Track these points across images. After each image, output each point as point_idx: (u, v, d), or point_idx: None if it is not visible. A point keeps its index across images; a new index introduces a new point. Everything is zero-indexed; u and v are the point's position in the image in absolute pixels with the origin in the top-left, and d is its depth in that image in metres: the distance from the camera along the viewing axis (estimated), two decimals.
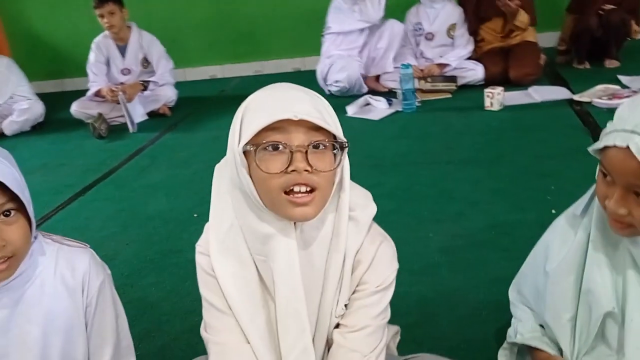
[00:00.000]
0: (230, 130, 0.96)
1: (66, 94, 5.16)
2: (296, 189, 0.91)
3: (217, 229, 1.02)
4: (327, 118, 0.93)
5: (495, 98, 3.22)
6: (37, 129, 4.26)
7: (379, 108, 3.61)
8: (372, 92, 3.98)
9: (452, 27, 3.96)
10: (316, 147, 0.91)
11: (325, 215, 0.98)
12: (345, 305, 1.03)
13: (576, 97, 3.19)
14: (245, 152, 0.92)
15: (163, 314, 1.82)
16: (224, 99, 4.62)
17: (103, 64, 4.23)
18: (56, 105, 4.54)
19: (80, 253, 1.13)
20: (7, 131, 4.13)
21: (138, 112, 4.06)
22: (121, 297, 1.43)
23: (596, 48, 3.80)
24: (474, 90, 3.70)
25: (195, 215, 2.50)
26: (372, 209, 1.04)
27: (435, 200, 2.29)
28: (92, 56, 4.22)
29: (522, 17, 3.76)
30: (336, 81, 3.99)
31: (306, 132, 0.90)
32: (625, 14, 3.68)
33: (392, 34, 3.97)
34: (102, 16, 4.01)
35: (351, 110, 3.61)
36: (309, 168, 0.90)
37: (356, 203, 1.01)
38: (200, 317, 1.70)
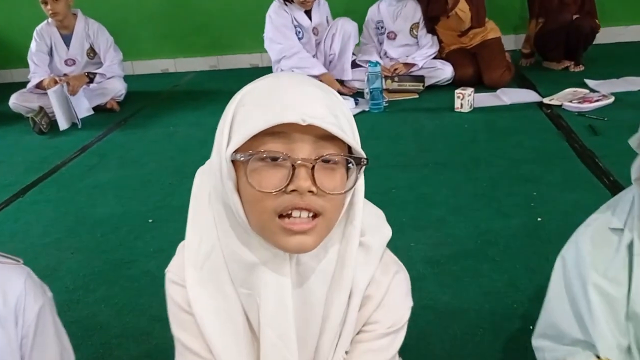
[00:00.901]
0: (218, 128, 0.74)
1: (4, 86, 4.77)
2: (295, 213, 0.70)
3: (195, 251, 0.81)
4: (344, 125, 0.72)
5: (466, 99, 3.12)
6: None
7: None
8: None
9: (415, 26, 3.83)
10: (326, 161, 0.71)
11: (329, 243, 0.78)
12: (346, 352, 0.83)
13: (546, 100, 3.13)
14: (234, 161, 0.71)
15: (114, 336, 1.60)
16: (177, 94, 4.35)
17: (45, 54, 3.91)
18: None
19: (12, 272, 0.92)
20: None
21: (83, 107, 3.76)
22: (65, 315, 1.21)
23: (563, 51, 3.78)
24: (442, 90, 3.60)
25: (150, 220, 2.26)
26: (387, 232, 0.85)
27: (415, 206, 2.14)
28: (33, 45, 3.89)
29: (462, 6, 3.63)
30: None
31: (315, 142, 0.70)
32: (594, 21, 3.67)
33: (344, 36, 3.71)
34: (44, 3, 3.69)
35: None
36: (313, 189, 0.69)
37: (367, 225, 0.81)
38: (158, 340, 1.47)
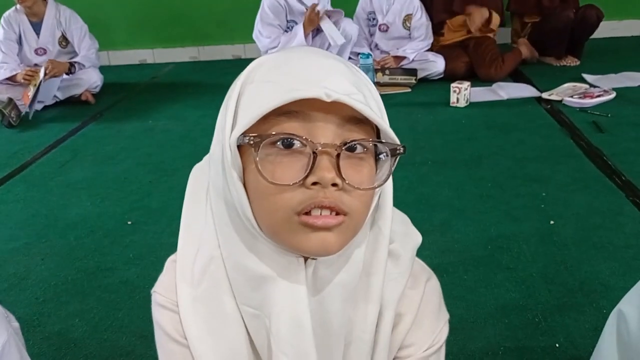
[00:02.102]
0: (220, 112, 0.60)
1: None
2: (315, 212, 0.56)
3: (190, 265, 0.65)
4: (373, 105, 0.58)
5: (462, 93, 2.99)
6: None
7: None
8: None
9: (407, 18, 3.69)
10: (352, 149, 0.57)
11: (351, 250, 0.63)
12: None
13: (545, 95, 3.02)
14: (240, 147, 0.57)
15: (90, 355, 1.42)
16: (156, 86, 4.15)
17: (14, 42, 3.67)
18: None
19: None
20: None
21: (49, 94, 3.52)
22: (35, 330, 1.04)
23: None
24: (435, 84, 3.47)
25: (129, 222, 2.08)
26: (417, 239, 0.71)
27: (416, 208, 2.00)
28: (1, 33, 3.65)
29: (495, 20, 3.63)
30: None
31: (339, 125, 0.56)
32: (599, 9, 3.58)
33: (346, 37, 3.55)
34: None
35: None
36: (339, 181, 0.55)
37: (394, 232, 0.66)
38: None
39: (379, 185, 0.60)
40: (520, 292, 1.50)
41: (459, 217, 1.92)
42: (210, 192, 0.65)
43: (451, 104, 3.03)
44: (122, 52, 4.81)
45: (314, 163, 0.54)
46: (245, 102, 0.58)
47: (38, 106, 3.49)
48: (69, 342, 1.49)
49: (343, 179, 0.55)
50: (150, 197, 2.29)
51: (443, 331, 0.72)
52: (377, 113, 0.58)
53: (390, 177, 0.63)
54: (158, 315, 0.68)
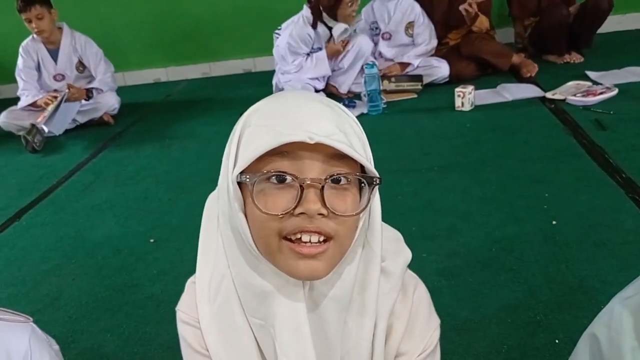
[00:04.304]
0: (225, 150, 0.71)
1: None
2: (305, 237, 0.66)
3: (207, 286, 0.76)
4: (355, 143, 0.68)
5: (467, 97, 3.06)
6: None
7: None
8: (329, 94, 3.75)
9: (410, 26, 3.76)
10: (336, 181, 0.66)
11: (344, 267, 0.72)
12: None
13: (548, 95, 3.07)
14: (240, 183, 0.68)
15: None
16: (170, 105, 4.28)
17: (33, 70, 3.83)
18: None
19: (16, 331, 0.85)
20: None
21: (67, 118, 3.66)
22: (70, 347, 1.13)
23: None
24: (440, 89, 3.54)
25: (151, 240, 2.19)
26: (406, 255, 0.80)
27: (422, 214, 2.08)
28: (20, 62, 3.81)
29: (482, 23, 3.69)
30: None
31: (324, 161, 0.66)
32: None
33: (359, 53, 3.62)
34: (29, 21, 3.61)
35: None
36: (324, 211, 0.64)
37: (386, 250, 0.76)
38: None
39: (360, 212, 0.68)
40: (522, 292, 1.58)
41: (464, 220, 1.99)
42: (220, 219, 0.75)
43: (456, 108, 3.10)
44: (136, 73, 4.96)
45: (301, 196, 0.64)
46: (244, 144, 0.68)
47: (58, 131, 3.63)
48: (102, 356, 1.59)
49: (328, 209, 0.65)
50: (170, 215, 2.41)
51: (434, 335, 0.81)
52: (359, 148, 0.68)
53: (378, 201, 0.73)
54: (182, 330, 0.78)
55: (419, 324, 0.80)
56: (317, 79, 3.68)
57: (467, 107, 3.08)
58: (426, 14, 3.75)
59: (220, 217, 0.75)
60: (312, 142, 0.63)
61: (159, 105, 4.27)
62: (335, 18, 3.51)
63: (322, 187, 0.64)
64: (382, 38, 3.82)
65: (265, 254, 0.69)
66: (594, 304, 1.47)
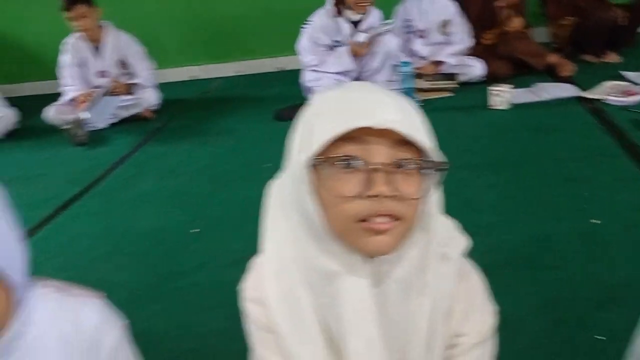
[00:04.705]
0: (293, 137, 0.76)
1: (36, 98, 4.82)
2: (378, 219, 0.70)
3: (274, 265, 0.81)
4: (420, 129, 0.72)
5: (502, 96, 3.07)
6: (11, 136, 3.93)
7: None
8: None
9: (445, 24, 3.77)
10: (402, 166, 0.71)
11: (405, 249, 0.77)
12: None
13: (586, 95, 3.06)
14: (310, 167, 0.72)
15: (172, 352, 1.59)
16: (207, 101, 4.37)
17: (77, 67, 3.94)
18: (28, 110, 4.20)
19: (87, 306, 0.90)
20: None
21: (107, 112, 3.77)
22: None
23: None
24: (475, 87, 3.55)
25: (193, 231, 2.26)
26: (463, 242, 0.85)
27: (460, 212, 2.05)
28: (64, 59, 3.93)
29: (516, 24, 3.69)
30: None
31: (391, 146, 0.70)
32: None
33: (387, 53, 3.63)
34: (72, 19, 3.72)
35: None
36: (393, 193, 0.69)
37: (444, 236, 0.81)
38: (217, 355, 1.46)
39: (425, 195, 0.73)
40: (564, 290, 1.60)
41: (503, 218, 2.01)
42: (287, 203, 0.80)
43: (492, 107, 3.11)
44: (173, 70, 5.05)
45: (370, 179, 0.69)
46: (312, 130, 0.73)
47: (101, 124, 3.74)
48: (150, 341, 1.65)
49: (394, 191, 0.69)
50: (210, 207, 2.48)
51: (490, 322, 0.85)
52: (423, 136, 0.72)
53: (437, 188, 0.78)
54: (249, 308, 0.83)
55: (477, 308, 0.84)
56: (341, 75, 3.71)
57: (503, 106, 3.09)
58: (461, 13, 3.76)
59: (287, 200, 0.79)
60: (381, 128, 0.68)
61: (195, 102, 4.36)
62: (347, 7, 3.53)
63: (390, 171, 0.69)
64: (416, 36, 3.84)
65: (336, 234, 0.74)
66: (638, 302, 1.48)
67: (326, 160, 0.70)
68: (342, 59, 3.65)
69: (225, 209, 2.43)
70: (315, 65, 3.70)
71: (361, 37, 3.59)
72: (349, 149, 0.70)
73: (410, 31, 3.86)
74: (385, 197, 0.69)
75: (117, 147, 3.44)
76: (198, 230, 2.27)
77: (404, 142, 0.70)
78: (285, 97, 3.90)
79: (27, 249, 0.79)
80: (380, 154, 0.69)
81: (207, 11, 4.91)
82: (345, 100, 0.73)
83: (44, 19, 4.94)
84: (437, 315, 0.80)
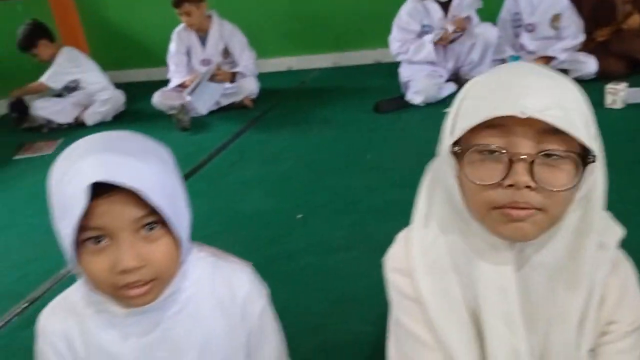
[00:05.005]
0: (447, 118, 0.77)
1: (143, 84, 5.09)
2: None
3: (422, 240, 0.83)
4: (574, 118, 0.69)
5: (619, 95, 2.91)
6: (118, 119, 4.18)
7: None
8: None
9: (555, 18, 3.62)
10: (549, 156, 0.68)
11: (557, 236, 0.75)
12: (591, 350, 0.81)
13: None
14: (455, 153, 0.73)
15: (286, 327, 1.64)
16: (305, 91, 4.44)
17: (184, 55, 4.13)
18: (134, 95, 4.45)
19: (240, 272, 0.96)
20: (89, 121, 4.08)
21: (213, 99, 3.91)
22: None
23: None
24: (586, 85, 3.33)
25: (299, 216, 2.31)
26: (618, 231, 0.83)
27: None
28: (173, 46, 4.12)
29: (634, 21, 3.48)
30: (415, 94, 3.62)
31: (537, 136, 0.68)
32: None
33: (486, 44, 3.58)
34: (180, 15, 3.93)
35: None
36: (532, 184, 0.67)
37: (600, 225, 0.78)
38: (327, 335, 1.48)
39: (570, 188, 0.70)
40: None
41: (624, 219, 1.90)
42: (436, 184, 0.82)
43: (606, 106, 2.95)
44: (270, 60, 5.17)
45: (510, 168, 0.68)
46: (460, 115, 0.73)
47: (203, 110, 3.89)
48: None
49: (536, 182, 0.68)
50: (314, 194, 2.52)
51: None
52: (578, 124, 0.68)
53: (601, 177, 0.74)
54: (393, 277, 0.86)
55: (629, 296, 0.82)
56: (436, 70, 3.64)
57: (618, 105, 2.93)
58: (573, 7, 3.59)
59: (437, 183, 0.81)
60: (524, 117, 0.66)
61: (293, 92, 4.44)
62: None
63: (532, 161, 0.67)
64: (525, 30, 3.70)
65: (476, 218, 0.75)
66: None
67: (467, 147, 0.71)
68: (424, 48, 3.61)
69: (328, 197, 2.47)
70: (400, 54, 3.69)
71: (449, 28, 3.54)
72: (491, 138, 0.69)
73: (518, 25, 3.73)
74: (525, 187, 0.68)
75: (219, 134, 3.57)
76: (301, 216, 2.32)
77: (553, 131, 0.68)
78: (385, 89, 3.89)
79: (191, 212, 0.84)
80: (524, 143, 0.68)
81: (306, 2, 4.98)
82: (494, 84, 0.72)
83: (152, 9, 5.21)
84: (591, 302, 0.79)
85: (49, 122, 4.07)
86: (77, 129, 4.08)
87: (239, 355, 0.93)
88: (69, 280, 2.06)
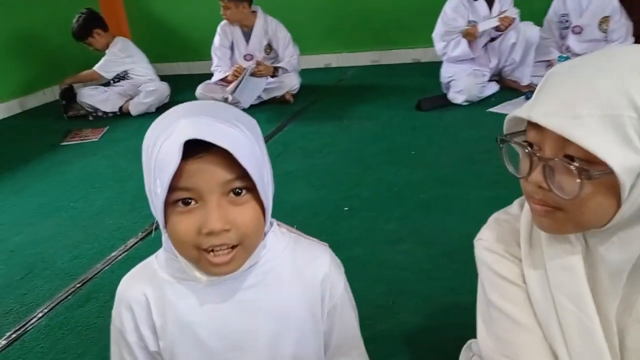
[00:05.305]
0: None
1: (185, 77, 5.18)
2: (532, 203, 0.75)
3: (525, 225, 0.85)
4: (590, 124, 0.65)
5: None
6: (162, 110, 4.22)
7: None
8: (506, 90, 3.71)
9: (604, 20, 3.57)
10: (570, 160, 0.68)
11: (630, 237, 0.73)
12: None
13: None
14: (503, 140, 0.79)
15: None
16: (343, 89, 4.45)
17: (227, 49, 4.18)
18: (175, 87, 4.52)
19: (320, 250, 0.97)
20: (133, 111, 4.17)
21: (255, 93, 3.95)
22: None
23: None
24: None
25: (345, 208, 2.33)
26: None
27: None
28: (217, 40, 4.18)
29: None
30: (457, 93, 3.61)
31: (560, 139, 0.67)
32: None
33: (528, 43, 3.55)
34: (221, 7, 3.98)
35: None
36: (544, 185, 0.71)
37: None
38: (381, 327, 1.48)
39: (572, 198, 0.68)
40: None
41: None
42: None
43: None
44: (310, 57, 5.20)
45: (531, 167, 0.72)
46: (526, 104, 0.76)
47: (246, 104, 3.93)
48: None
49: (547, 184, 0.70)
50: (359, 187, 2.54)
51: None
52: (594, 131, 0.64)
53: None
54: (485, 255, 0.87)
55: None
56: (479, 70, 3.62)
57: None
58: (622, 9, 3.54)
59: None
60: (533, 122, 0.69)
61: (332, 89, 4.46)
62: None
63: (545, 164, 0.70)
64: (572, 32, 3.66)
65: None
66: None
67: (508, 140, 0.76)
68: (460, 44, 3.61)
69: (373, 191, 2.48)
70: (445, 54, 3.68)
71: (493, 22, 3.52)
72: (530, 132, 0.72)
73: (565, 27, 3.69)
74: (538, 187, 0.72)
75: (262, 126, 3.42)
76: (348, 208, 2.33)
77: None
78: (424, 88, 3.88)
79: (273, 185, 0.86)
80: (549, 145, 0.70)
81: (348, 0, 4.99)
82: (553, 80, 0.72)
83: (196, 3, 5.29)
84: None
85: (95, 110, 4.17)
86: (121, 118, 4.17)
87: (317, 331, 0.94)
88: (119, 263, 2.13)
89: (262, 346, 0.89)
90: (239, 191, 0.77)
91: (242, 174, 0.75)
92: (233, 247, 0.78)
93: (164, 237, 0.84)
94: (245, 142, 0.76)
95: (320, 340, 0.95)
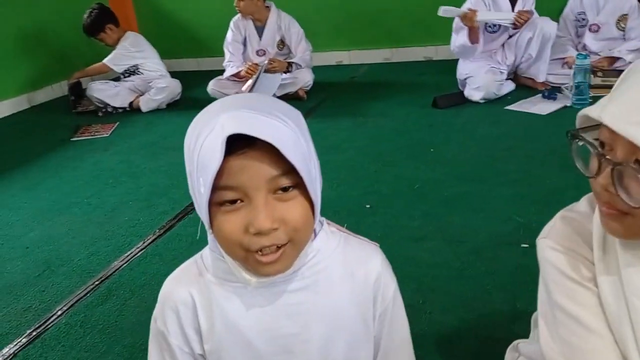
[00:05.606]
0: None
1: (196, 73, 5.13)
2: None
3: (591, 227, 0.81)
4: None
5: None
6: (173, 107, 4.21)
7: (543, 102, 3.28)
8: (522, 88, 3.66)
9: (622, 19, 3.53)
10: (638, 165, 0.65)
11: None
12: None
13: None
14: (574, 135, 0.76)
15: None
16: (357, 85, 4.41)
17: (240, 44, 4.14)
18: (188, 83, 4.48)
19: (372, 251, 0.93)
20: (144, 108, 4.13)
21: (272, 89, 3.90)
22: None
23: None
24: None
25: (367, 206, 2.29)
26: None
27: None
28: (229, 35, 4.14)
29: None
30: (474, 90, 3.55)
31: (632, 144, 0.64)
32: None
33: (544, 38, 3.46)
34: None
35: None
36: (611, 189, 0.67)
37: None
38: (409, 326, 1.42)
39: (637, 207, 0.66)
40: None
41: None
42: None
43: None
44: (322, 54, 5.15)
45: (599, 168, 0.69)
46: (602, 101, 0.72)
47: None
48: None
49: (615, 189, 0.67)
50: (379, 184, 2.50)
51: None
52: None
53: None
54: (553, 257, 0.82)
55: None
56: (496, 67, 3.57)
57: None
58: None
59: None
60: (602, 122, 0.66)
61: (345, 86, 4.42)
62: None
63: (613, 168, 0.66)
64: (589, 30, 3.62)
65: None
66: None
67: (579, 136, 0.72)
68: (460, 33, 3.54)
69: (395, 187, 2.45)
70: (455, 47, 3.62)
71: (498, 15, 3.48)
72: (603, 132, 0.69)
73: (582, 25, 3.65)
74: (604, 191, 0.69)
75: None
76: (369, 205, 2.29)
77: None
78: (439, 85, 3.85)
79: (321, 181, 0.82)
80: (621, 148, 0.66)
81: None
82: (628, 78, 0.70)
83: (206, 1, 5.24)
84: None
85: (105, 105, 4.12)
86: (131, 113, 4.13)
87: (368, 334, 0.90)
88: (138, 260, 2.09)
89: (312, 350, 0.86)
90: (286, 188, 0.73)
91: (289, 169, 0.71)
92: (282, 245, 0.75)
93: (210, 237, 0.80)
94: (291, 135, 0.72)
95: (371, 343, 0.91)
